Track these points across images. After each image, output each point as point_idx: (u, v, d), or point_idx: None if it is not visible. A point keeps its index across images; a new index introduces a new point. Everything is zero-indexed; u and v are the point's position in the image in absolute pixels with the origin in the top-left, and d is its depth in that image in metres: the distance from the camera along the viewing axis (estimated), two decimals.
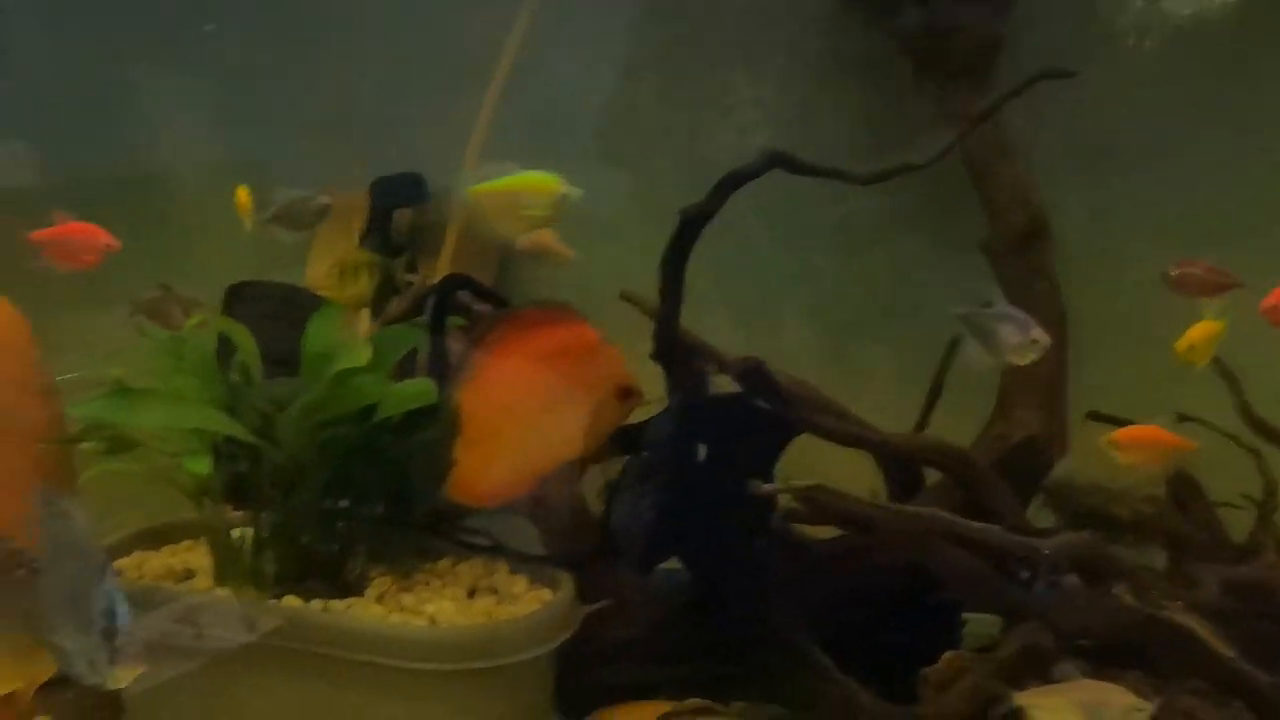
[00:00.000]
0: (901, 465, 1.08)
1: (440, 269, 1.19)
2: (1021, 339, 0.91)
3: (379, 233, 1.32)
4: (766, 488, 0.91)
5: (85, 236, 0.99)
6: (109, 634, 0.67)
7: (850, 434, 0.99)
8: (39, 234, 0.98)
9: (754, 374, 0.95)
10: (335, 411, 0.94)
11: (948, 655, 0.95)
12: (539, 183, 0.85)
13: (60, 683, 1.10)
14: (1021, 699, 0.84)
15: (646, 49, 1.37)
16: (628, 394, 0.87)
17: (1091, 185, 1.27)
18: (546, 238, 1.20)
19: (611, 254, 1.32)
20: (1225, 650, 0.88)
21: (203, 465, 0.86)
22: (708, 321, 1.05)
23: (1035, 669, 0.88)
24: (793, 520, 1.01)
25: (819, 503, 0.93)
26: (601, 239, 1.34)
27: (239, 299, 1.23)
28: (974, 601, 0.96)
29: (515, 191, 0.83)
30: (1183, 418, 1.02)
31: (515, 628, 0.93)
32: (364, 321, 1.27)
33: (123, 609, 0.68)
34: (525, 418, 0.83)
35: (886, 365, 1.36)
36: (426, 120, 1.36)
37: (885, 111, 1.28)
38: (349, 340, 0.93)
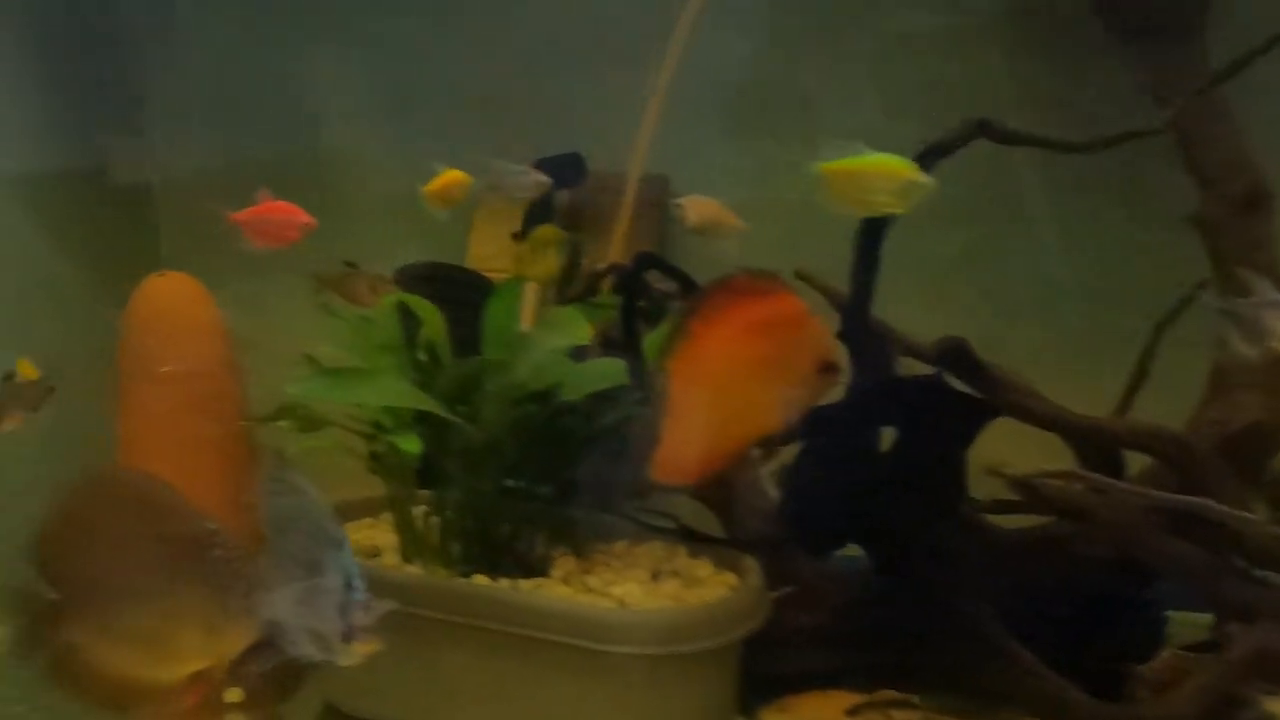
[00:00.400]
0: (1102, 452, 1.03)
1: (613, 250, 1.17)
2: None
3: (540, 213, 1.31)
4: (1009, 472, 0.86)
5: (285, 215, 1.00)
6: (345, 609, 0.67)
7: (1055, 417, 0.94)
8: (241, 215, 1.00)
9: (956, 354, 0.90)
10: (521, 390, 0.94)
11: (1166, 654, 0.90)
12: (890, 166, 0.84)
13: (246, 655, 1.14)
14: (1275, 705, 0.78)
15: (812, 21, 1.32)
16: (829, 368, 0.84)
17: None
18: (715, 210, 1.17)
19: (773, 232, 1.29)
20: None
21: (414, 444, 0.87)
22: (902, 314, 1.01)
23: (1272, 674, 0.82)
24: (997, 509, 0.97)
25: (1036, 489, 0.88)
26: (766, 216, 1.31)
27: (404, 280, 1.24)
28: (1195, 597, 0.91)
29: (865, 173, 0.82)
30: None
31: (710, 612, 0.91)
32: (529, 301, 1.27)
33: (359, 583, 0.67)
34: (732, 391, 0.81)
35: (1057, 348, 1.30)
36: (588, 99, 1.35)
37: (1065, 78, 1.21)
38: (547, 318, 0.92)
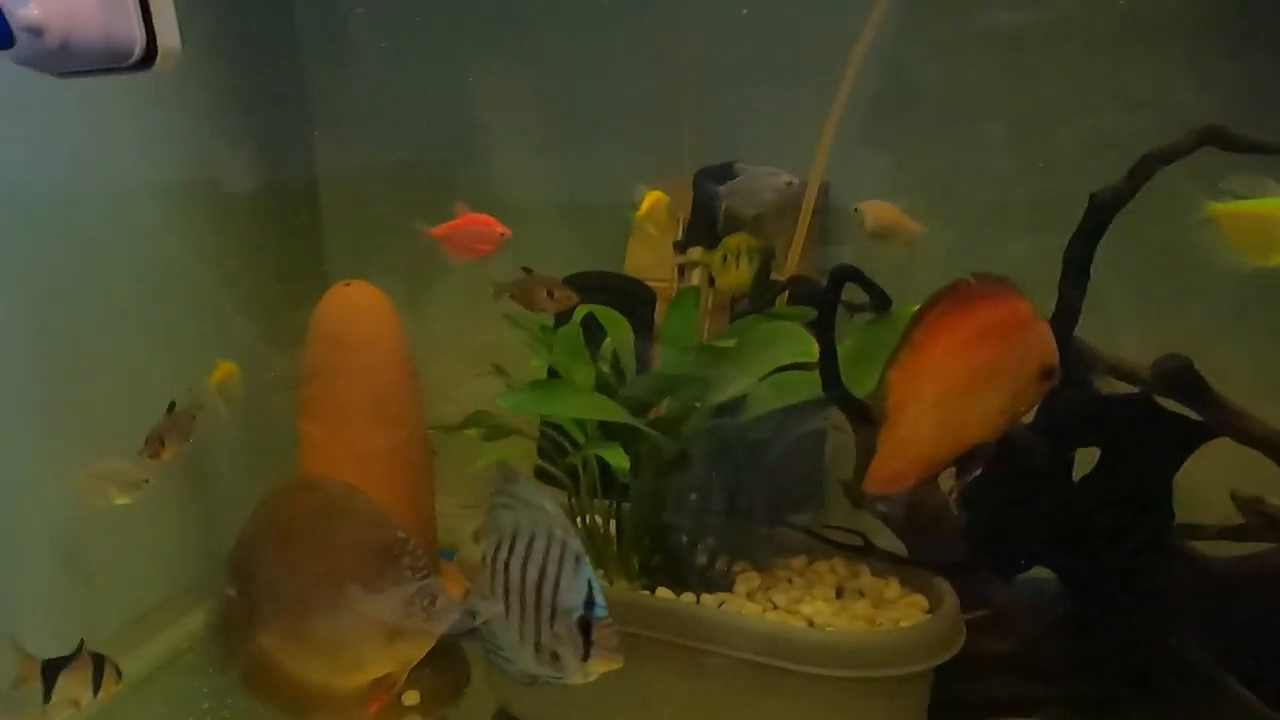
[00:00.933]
0: None
1: (790, 261, 1.15)
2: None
3: (704, 222, 1.30)
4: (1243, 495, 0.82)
5: (481, 227, 1.01)
6: (585, 626, 0.66)
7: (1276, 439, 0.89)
8: (439, 230, 1.02)
9: (1179, 373, 0.86)
10: (717, 402, 0.93)
11: None
12: None
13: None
14: None
15: (994, 25, 1.28)
16: (1050, 374, 0.81)
17: None
18: (893, 214, 1.14)
19: (946, 237, 1.26)
20: None
21: (622, 459, 0.86)
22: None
23: None
24: (1238, 536, 0.91)
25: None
26: (937, 221, 1.28)
27: (578, 289, 1.24)
28: None
29: (1272, 217, 0.77)
30: None
31: (909, 638, 0.89)
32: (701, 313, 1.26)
33: (600, 599, 0.66)
34: (953, 401, 0.78)
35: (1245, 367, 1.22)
36: (751, 110, 1.33)
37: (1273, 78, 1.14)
38: (784, 332, 0.90)
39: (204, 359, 1.33)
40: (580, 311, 1.00)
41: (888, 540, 1.09)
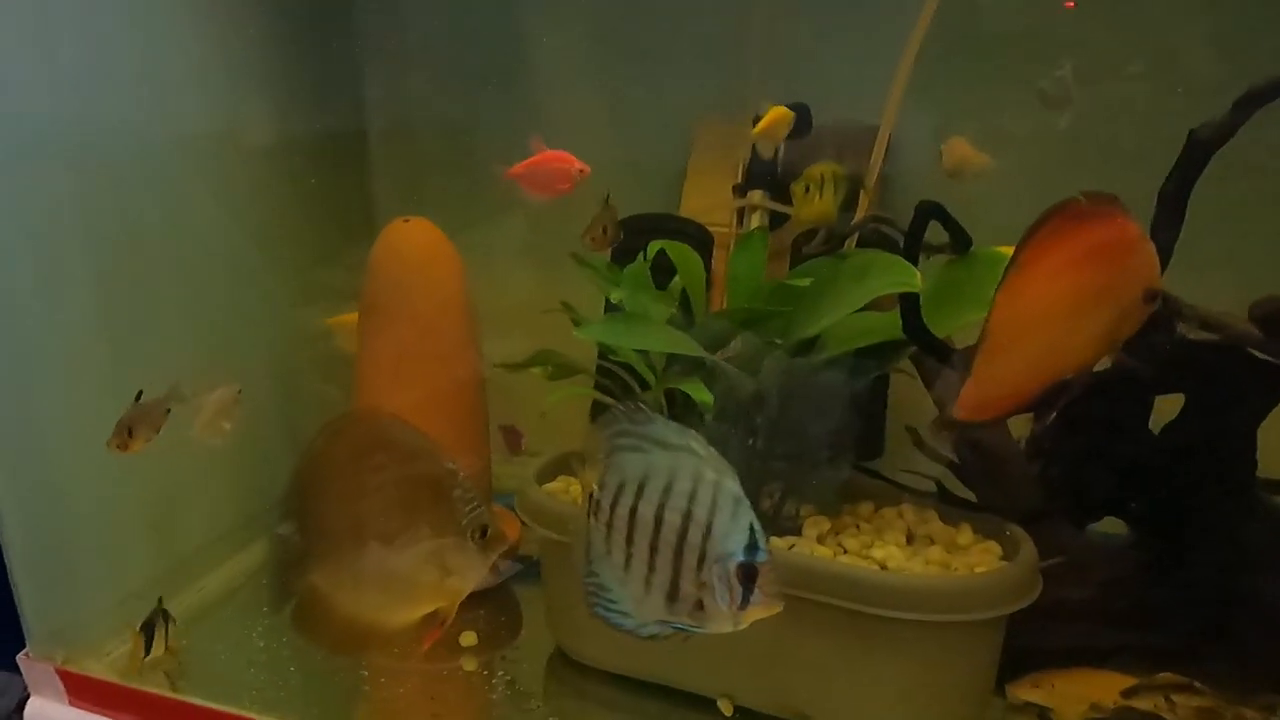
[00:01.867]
0: None
1: (860, 207, 1.12)
2: None
3: (764, 166, 1.27)
4: None
5: (559, 164, 0.99)
6: (748, 572, 0.61)
7: None
8: (516, 169, 0.99)
9: (1277, 316, 0.83)
10: (795, 340, 0.91)
11: None
12: None
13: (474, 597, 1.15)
14: None
15: None
16: (1153, 297, 0.78)
17: None
18: (966, 150, 1.11)
19: (1017, 183, 1.22)
20: None
21: (705, 394, 0.85)
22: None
23: None
24: None
25: None
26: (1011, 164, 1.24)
27: (636, 231, 1.22)
28: None
29: None
30: None
31: (987, 583, 0.87)
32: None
33: (763, 542, 0.61)
34: (1056, 325, 0.76)
35: None
36: (824, 50, 1.30)
37: None
38: (860, 263, 0.87)
39: (249, 306, 1.33)
40: (652, 248, 0.98)
41: (953, 488, 1.08)
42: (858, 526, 1.00)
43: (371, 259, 1.11)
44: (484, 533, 0.83)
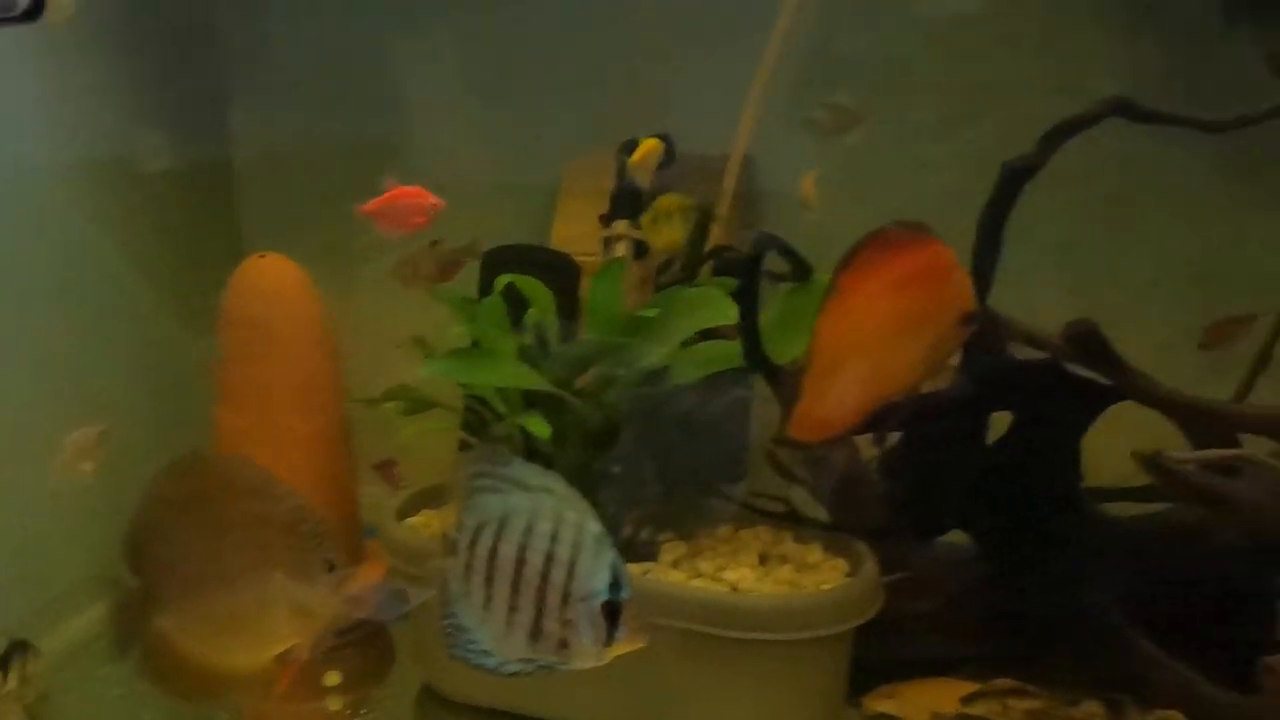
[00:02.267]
0: (1221, 438, 1.00)
1: (714, 233, 1.16)
2: None
3: (629, 195, 1.30)
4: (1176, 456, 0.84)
5: (412, 199, 0.99)
6: (613, 611, 0.62)
7: (1182, 403, 0.92)
8: (369, 205, 0.99)
9: (1086, 337, 0.89)
10: (642, 371, 0.93)
11: None
12: None
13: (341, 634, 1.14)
14: None
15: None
16: (970, 319, 0.82)
17: None
18: (808, 184, 1.16)
19: (866, 213, 1.28)
20: None
21: (543, 427, 0.86)
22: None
23: None
24: (1144, 496, 0.95)
25: (1170, 471, 0.86)
26: (857, 196, 1.29)
27: (501, 262, 1.23)
28: None
29: None
30: None
31: (828, 600, 0.90)
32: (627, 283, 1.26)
33: (625, 580, 0.62)
34: (879, 346, 0.79)
35: (1170, 332, 1.26)
36: (682, 81, 1.33)
37: (1185, 59, 1.18)
38: (682, 298, 0.90)
39: (112, 345, 1.30)
40: (500, 282, 0.99)
41: (815, 511, 1.11)
42: (715, 550, 1.03)
43: (225, 303, 1.10)
44: (332, 568, 0.82)
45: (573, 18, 1.40)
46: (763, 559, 1.00)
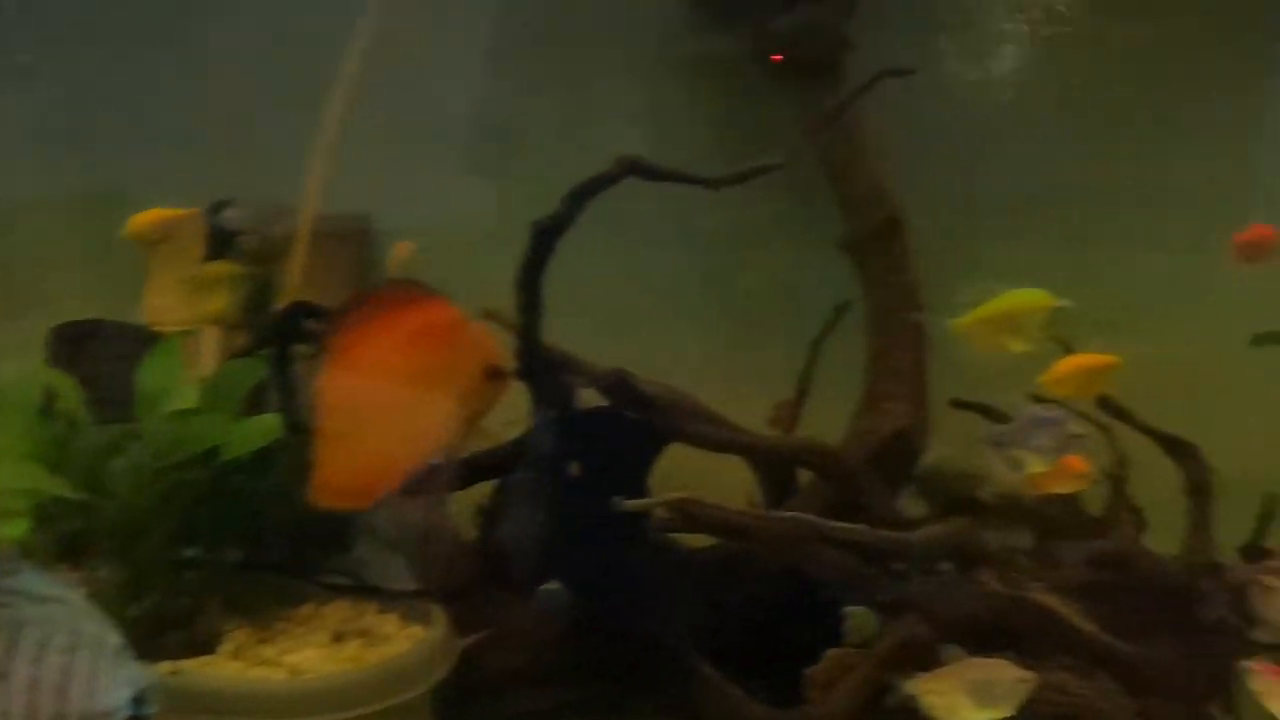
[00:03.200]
0: (774, 467, 1.08)
1: (290, 289, 1.12)
2: (1058, 439, 0.94)
3: (220, 256, 1.24)
4: (634, 503, 0.89)
5: None
6: None
7: (720, 439, 0.98)
8: None
9: (618, 386, 0.92)
10: (174, 456, 0.88)
11: (831, 653, 0.95)
12: (1029, 301, 0.90)
13: None
14: (911, 686, 0.84)
15: (504, 55, 1.33)
16: (496, 374, 0.82)
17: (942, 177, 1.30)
18: (406, 251, 1.15)
19: (476, 267, 1.29)
20: (1085, 626, 0.91)
21: (17, 528, 0.78)
22: (583, 335, 1.02)
23: (916, 659, 0.89)
24: (671, 531, 0.99)
25: (691, 514, 0.91)
26: (466, 251, 1.30)
27: (93, 338, 1.15)
28: (854, 599, 0.97)
29: (1007, 314, 0.89)
30: (1037, 399, 1.05)
31: (382, 672, 0.88)
32: (209, 354, 1.19)
33: (150, 694, 0.61)
34: (388, 406, 0.77)
35: (774, 369, 1.36)
36: (283, 137, 1.29)
37: (742, 115, 1.28)
38: (188, 377, 0.86)
39: None
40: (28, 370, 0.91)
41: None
42: (290, 632, 0.98)
43: None
44: None
45: (179, 66, 1.34)
46: (338, 636, 0.97)
